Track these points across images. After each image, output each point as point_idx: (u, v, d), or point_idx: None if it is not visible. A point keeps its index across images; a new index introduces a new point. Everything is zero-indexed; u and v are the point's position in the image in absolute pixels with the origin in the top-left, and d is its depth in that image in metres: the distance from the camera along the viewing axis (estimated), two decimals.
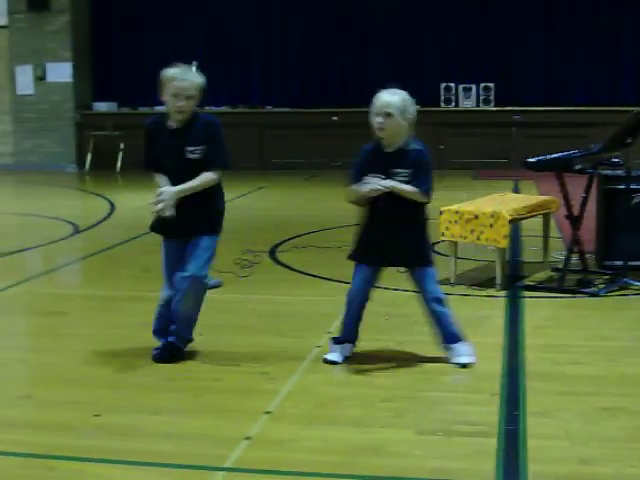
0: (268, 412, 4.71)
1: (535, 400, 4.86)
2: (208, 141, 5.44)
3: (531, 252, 8.65)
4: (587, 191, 7.35)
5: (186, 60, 7.83)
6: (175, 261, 5.57)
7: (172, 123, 5.46)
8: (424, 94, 17.40)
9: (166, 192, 5.40)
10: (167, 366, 5.47)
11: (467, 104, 17.39)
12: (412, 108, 5.33)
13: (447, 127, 17.12)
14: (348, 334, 5.59)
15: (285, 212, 12.16)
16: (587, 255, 7.62)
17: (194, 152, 5.40)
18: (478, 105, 17.41)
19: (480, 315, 6.67)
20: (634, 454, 4.16)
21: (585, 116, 16.36)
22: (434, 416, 4.67)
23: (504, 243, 7.29)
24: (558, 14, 17.39)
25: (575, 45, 17.38)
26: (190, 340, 5.67)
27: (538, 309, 6.82)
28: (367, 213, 5.48)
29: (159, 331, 5.68)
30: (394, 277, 7.62)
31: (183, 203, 5.41)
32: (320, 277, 7.82)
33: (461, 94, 17.43)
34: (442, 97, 17.43)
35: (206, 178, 5.45)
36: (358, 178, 5.38)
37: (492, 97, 17.32)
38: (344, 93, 17.86)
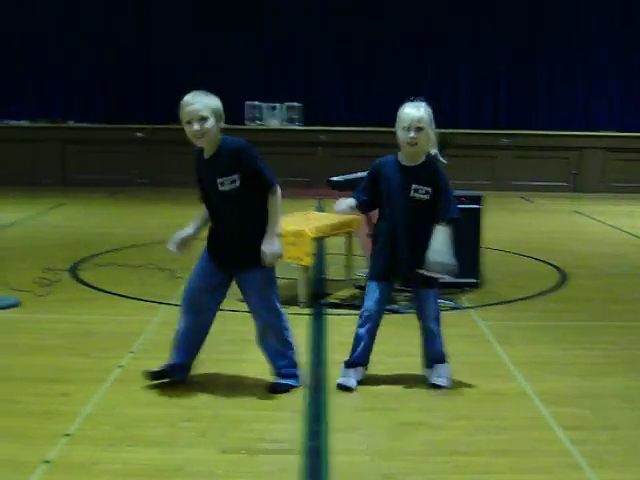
0: (68, 434, 4.59)
1: (338, 416, 4.91)
2: (246, 168, 5.14)
3: (334, 270, 8.75)
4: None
5: None
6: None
7: (205, 152, 5.21)
8: (228, 112, 17.50)
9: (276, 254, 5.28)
10: None
11: (273, 123, 17.48)
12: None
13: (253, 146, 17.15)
14: (362, 357, 5.52)
15: (87, 229, 11.89)
16: None
17: (224, 184, 5.14)
18: (283, 124, 17.53)
19: None
20: (434, 467, 4.26)
21: (388, 137, 16.68)
22: (237, 434, 4.64)
23: (307, 261, 7.35)
24: (358, 34, 17.75)
25: (376, 67, 17.77)
26: None
27: (341, 326, 6.90)
28: (384, 229, 5.43)
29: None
30: None
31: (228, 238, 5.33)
32: (123, 296, 7.68)
33: (266, 112, 17.51)
34: (247, 115, 17.46)
35: (279, 203, 5.26)
36: (369, 190, 5.43)
37: (298, 116, 17.48)
38: (149, 109, 17.68)
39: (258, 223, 5.22)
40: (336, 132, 17.15)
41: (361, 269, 8.30)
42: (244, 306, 7.16)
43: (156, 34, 17.79)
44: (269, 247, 5.22)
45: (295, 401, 5.14)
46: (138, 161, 17.01)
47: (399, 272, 5.46)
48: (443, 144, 7.55)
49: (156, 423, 4.78)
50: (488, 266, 8.54)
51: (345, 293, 7.92)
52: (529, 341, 6.55)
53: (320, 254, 9.22)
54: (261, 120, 17.52)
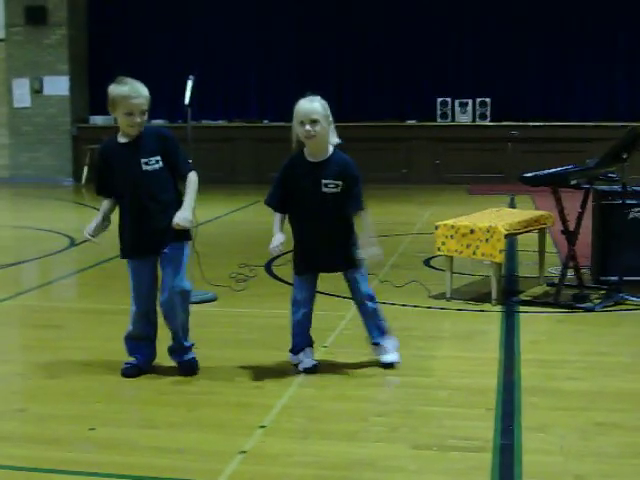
0: (263, 426, 4.70)
1: (530, 415, 4.85)
2: (168, 152, 5.45)
3: (527, 267, 8.64)
4: (583, 206, 7.36)
5: (183, 74, 7.88)
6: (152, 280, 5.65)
7: (123, 138, 5.48)
8: (420, 108, 17.54)
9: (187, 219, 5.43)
10: (162, 380, 5.47)
11: (463, 119, 17.40)
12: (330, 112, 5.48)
13: (443, 142, 17.16)
14: (304, 340, 5.72)
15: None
16: (583, 270, 7.62)
17: (148, 163, 5.42)
18: (474, 120, 17.42)
19: (476, 330, 6.67)
20: (629, 470, 4.15)
21: (581, 131, 16.40)
22: (429, 431, 4.65)
23: (500, 258, 7.28)
24: (554, 30, 17.43)
25: (571, 61, 17.44)
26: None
27: (534, 324, 6.82)
28: (298, 226, 5.62)
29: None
30: (388, 290, 7.64)
31: (152, 217, 5.47)
32: (317, 291, 7.78)
33: (457, 109, 17.44)
34: (438, 112, 17.45)
35: (195, 184, 5.52)
36: (279, 194, 5.55)
37: (488, 112, 17.34)
38: (340, 107, 17.88)
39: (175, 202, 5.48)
40: (527, 127, 16.92)
41: (554, 266, 8.17)
42: (435, 302, 7.19)
43: (346, 36, 17.94)
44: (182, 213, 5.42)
45: (487, 399, 5.11)
46: None
47: (320, 264, 5.61)
48: (635, 138, 7.36)
49: (348, 417, 4.84)
50: None
51: (537, 290, 7.82)
52: None
53: (512, 251, 9.13)
54: (452, 116, 17.45)
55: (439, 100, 17.39)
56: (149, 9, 18.56)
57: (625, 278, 7.47)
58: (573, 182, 7.29)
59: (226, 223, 12.43)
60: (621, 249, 7.61)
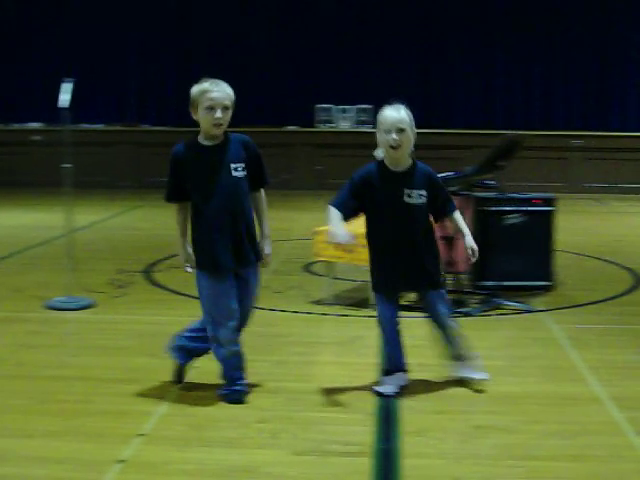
0: (142, 434, 4.64)
1: (410, 419, 4.90)
2: (252, 159, 5.22)
3: None
4: (461, 212, 7.46)
5: (60, 76, 7.74)
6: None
7: (205, 142, 5.17)
8: (299, 115, 17.59)
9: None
10: (40, 389, 5.35)
11: (344, 125, 17.48)
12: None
13: (324, 148, 17.21)
14: (396, 363, 5.49)
15: (161, 231, 11.98)
16: (461, 275, 7.73)
17: (237, 169, 5.15)
18: (354, 126, 17.51)
19: (356, 335, 6.70)
20: (505, 471, 4.23)
21: (460, 139, 16.65)
22: (309, 436, 4.65)
23: None
24: (434, 34, 17.71)
25: (450, 68, 17.72)
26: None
27: (413, 329, 6.86)
28: (377, 240, 5.41)
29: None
30: (269, 297, 7.62)
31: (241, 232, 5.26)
32: (195, 297, 7.72)
33: (337, 115, 17.52)
34: (318, 118, 17.50)
35: (264, 202, 5.38)
36: (352, 198, 5.33)
37: (369, 118, 17.46)
38: None
39: (251, 215, 5.34)
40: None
41: None
42: (316, 308, 7.19)
43: (219, 39, 17.89)
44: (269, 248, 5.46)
45: (367, 404, 5.14)
46: None
47: (403, 281, 5.42)
48: (511, 146, 7.52)
49: (229, 424, 4.81)
50: (561, 269, 8.46)
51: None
52: (603, 344, 6.47)
53: None
54: (332, 122, 17.53)
55: (318, 106, 17.45)
56: (24, 8, 18.19)
57: (502, 283, 7.61)
58: (452, 189, 7.39)
59: (104, 229, 12.25)
60: (498, 255, 7.75)
